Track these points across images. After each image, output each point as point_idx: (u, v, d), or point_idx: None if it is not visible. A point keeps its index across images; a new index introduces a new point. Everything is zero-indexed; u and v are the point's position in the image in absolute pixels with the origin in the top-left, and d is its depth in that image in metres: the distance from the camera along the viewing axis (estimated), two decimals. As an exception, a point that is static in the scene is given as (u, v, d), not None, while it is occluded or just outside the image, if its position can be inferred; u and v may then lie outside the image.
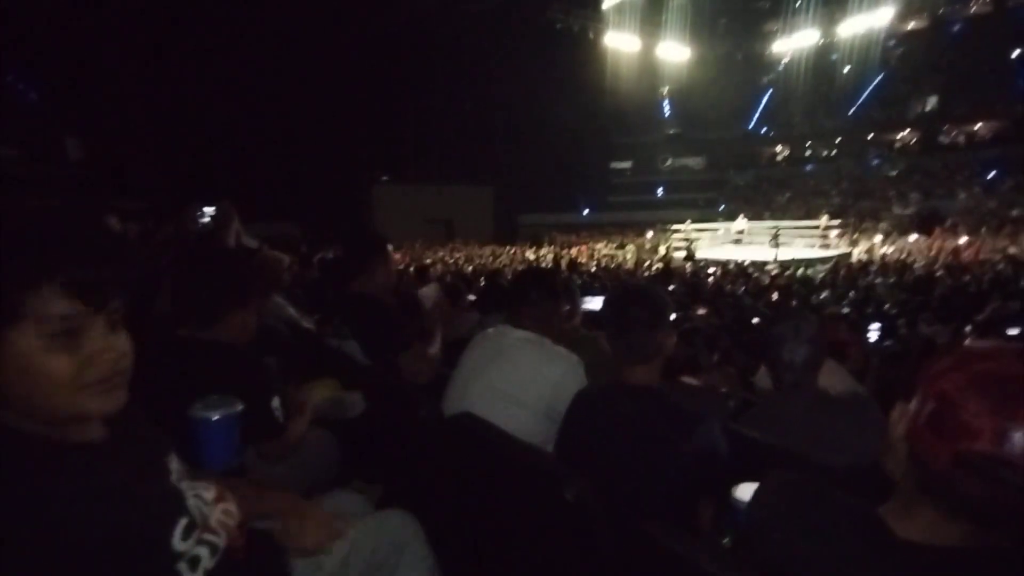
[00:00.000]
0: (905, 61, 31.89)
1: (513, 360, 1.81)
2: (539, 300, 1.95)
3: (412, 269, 9.37)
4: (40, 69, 18.53)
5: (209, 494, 0.94)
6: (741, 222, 20.63)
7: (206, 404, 1.30)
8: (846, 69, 31.69)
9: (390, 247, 2.65)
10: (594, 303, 4.36)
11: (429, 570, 1.29)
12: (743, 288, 9.78)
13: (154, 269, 1.80)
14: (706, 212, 27.38)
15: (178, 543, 0.82)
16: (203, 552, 0.87)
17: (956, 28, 31.51)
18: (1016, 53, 28.34)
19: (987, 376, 0.73)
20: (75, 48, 18.17)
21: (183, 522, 0.85)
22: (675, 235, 20.86)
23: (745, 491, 1.33)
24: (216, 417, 1.29)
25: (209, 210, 2.32)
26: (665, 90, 37.07)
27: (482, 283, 7.29)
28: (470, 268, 13.48)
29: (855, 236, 19.30)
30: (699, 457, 1.39)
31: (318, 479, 1.67)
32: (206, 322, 1.55)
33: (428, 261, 14.49)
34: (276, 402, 1.53)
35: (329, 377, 2.06)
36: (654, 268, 12.98)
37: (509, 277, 7.06)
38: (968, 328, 5.96)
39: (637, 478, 1.36)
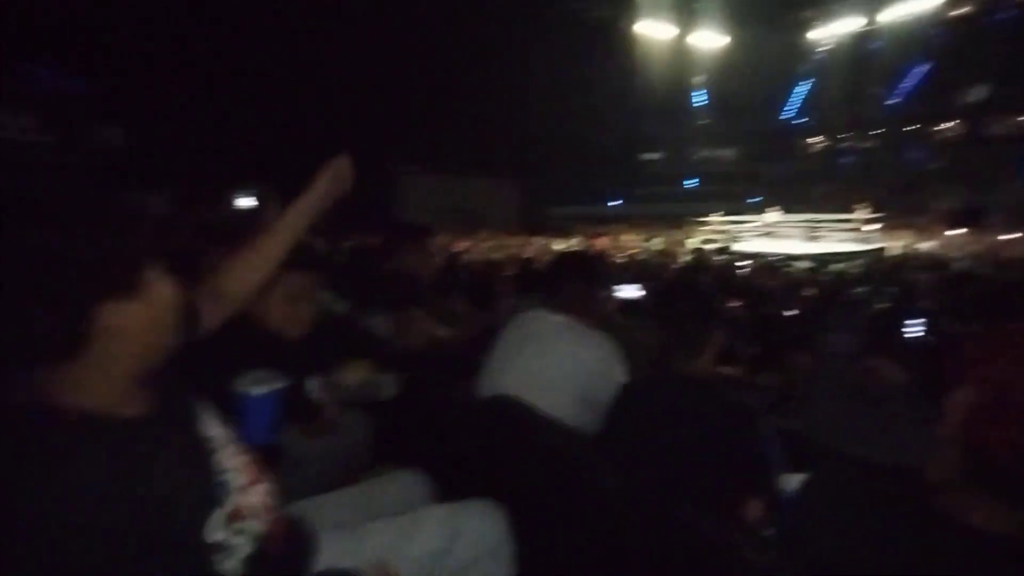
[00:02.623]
0: (951, 49, 30.68)
1: (549, 345, 1.79)
2: (576, 285, 1.93)
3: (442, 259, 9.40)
4: (82, 59, 19.06)
5: (244, 477, 0.93)
6: (773, 215, 20.19)
7: (251, 380, 1.32)
8: (888, 58, 30.64)
9: (430, 236, 2.66)
10: (627, 292, 4.32)
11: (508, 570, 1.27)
12: (776, 282, 9.58)
13: (195, 250, 1.83)
14: (738, 204, 26.86)
15: (214, 531, 0.81)
16: (241, 540, 0.86)
17: (1008, 14, 30.16)
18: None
19: None
20: (116, 38, 18.66)
21: (219, 510, 0.84)
22: (705, 227, 20.53)
23: (788, 483, 1.29)
24: (260, 393, 1.30)
25: (247, 195, 2.35)
26: (698, 79, 36.37)
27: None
28: (499, 257, 13.48)
29: (894, 230, 18.72)
30: (748, 451, 1.36)
31: (354, 458, 1.69)
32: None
33: (457, 250, 14.53)
34: (312, 383, 1.54)
35: (363, 359, 2.07)
36: (684, 261, 12.81)
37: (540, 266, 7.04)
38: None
39: (683, 469, 1.33)
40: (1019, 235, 16.72)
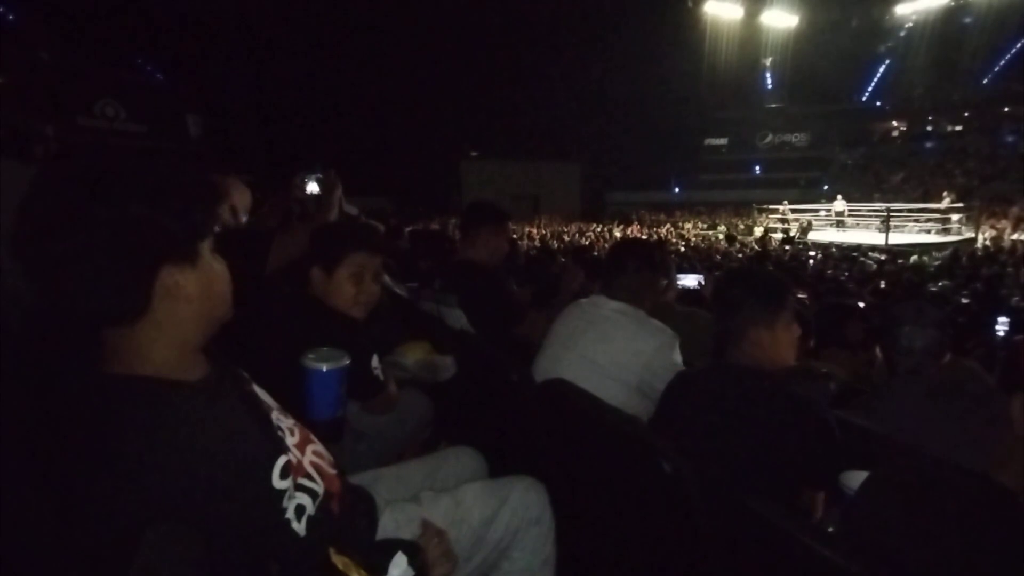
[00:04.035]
0: (1054, 23, 28.09)
1: (607, 332, 1.79)
2: (636, 272, 1.91)
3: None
4: (166, 52, 20.28)
5: (293, 438, 0.98)
6: (839, 203, 19.20)
7: (318, 356, 1.38)
8: (981, 33, 28.34)
9: (506, 219, 2.65)
10: (688, 280, 4.25)
11: (549, 550, 1.30)
12: (846, 273, 9.16)
13: (265, 232, 1.92)
14: (807, 192, 25.73)
15: (277, 481, 0.86)
16: (305, 500, 0.91)
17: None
18: None
19: None
20: (197, 33, 19.76)
21: (282, 460, 0.88)
22: (773, 216, 19.77)
23: (852, 479, 1.25)
24: (326, 368, 1.36)
25: (314, 180, 2.44)
26: (768, 61, 34.80)
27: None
28: (556, 245, 13.44)
29: (982, 220, 17.45)
30: (807, 445, 1.32)
31: (414, 435, 1.74)
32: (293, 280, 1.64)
33: (514, 236, 14.57)
34: (375, 361, 1.59)
35: (423, 340, 2.13)
36: (749, 250, 12.41)
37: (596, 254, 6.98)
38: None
39: (738, 461, 1.31)
40: None
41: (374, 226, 3.42)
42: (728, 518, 1.04)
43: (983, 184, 24.11)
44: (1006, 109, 28.00)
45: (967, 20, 29.02)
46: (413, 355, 2.07)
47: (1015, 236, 15.66)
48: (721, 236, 17.63)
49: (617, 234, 18.43)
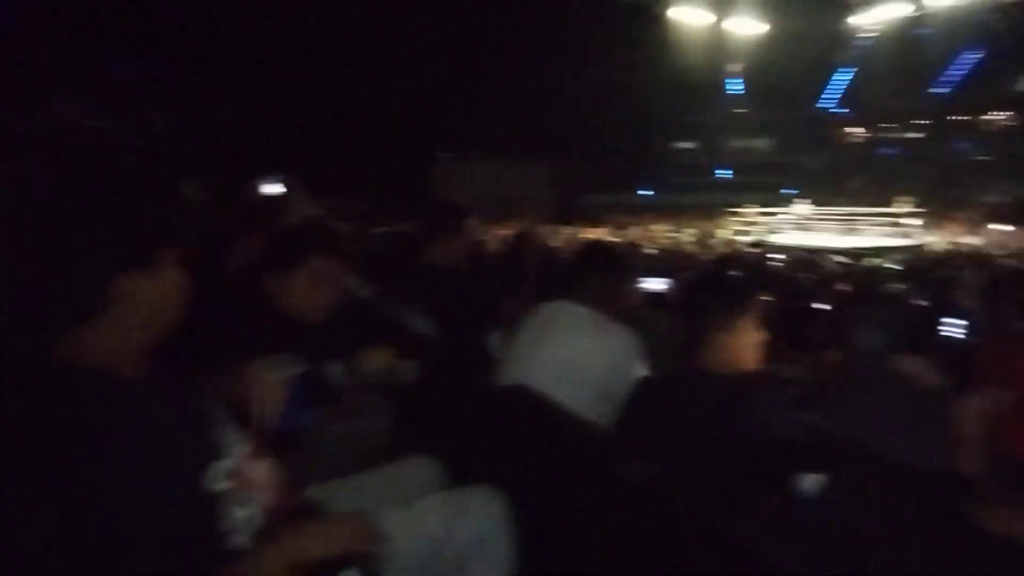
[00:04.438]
0: (1005, 35, 29.30)
1: (570, 336, 1.78)
2: (600, 276, 1.91)
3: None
4: (131, 49, 19.71)
5: (243, 448, 0.96)
6: (802, 207, 19.73)
7: (269, 364, 1.33)
8: (936, 45, 29.41)
9: (467, 218, 2.61)
10: (654, 284, 4.27)
11: (508, 562, 1.28)
12: (810, 276, 9.37)
13: (224, 232, 1.86)
14: (772, 196, 26.28)
15: (214, 485, 0.85)
16: (252, 511, 0.89)
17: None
18: None
19: None
20: (163, 29, 19.26)
21: (220, 466, 0.87)
22: (738, 219, 20.17)
23: (809, 482, 1.26)
24: (280, 376, 1.31)
25: (276, 182, 2.38)
26: (734, 67, 35.52)
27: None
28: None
29: (936, 225, 18.09)
30: (766, 448, 1.33)
31: (373, 443, 1.70)
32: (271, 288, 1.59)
33: (484, 238, 14.54)
34: (334, 368, 1.55)
35: (385, 344, 2.09)
36: (715, 253, 12.62)
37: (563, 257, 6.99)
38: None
39: (697, 468, 1.31)
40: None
41: (335, 228, 3.37)
42: (690, 527, 1.04)
43: (938, 190, 25.02)
44: (960, 118, 29.13)
45: (924, 32, 30.10)
46: (375, 361, 2.03)
47: (968, 240, 16.27)
48: (689, 238, 17.91)
49: (588, 236, 18.56)
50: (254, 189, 2.34)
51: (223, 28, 21.03)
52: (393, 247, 4.66)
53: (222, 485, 0.86)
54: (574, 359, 1.74)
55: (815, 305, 5.58)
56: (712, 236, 18.90)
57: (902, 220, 17.69)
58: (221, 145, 19.98)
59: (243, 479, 0.91)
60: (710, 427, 1.38)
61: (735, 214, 20.63)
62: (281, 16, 22.51)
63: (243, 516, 0.88)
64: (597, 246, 2.26)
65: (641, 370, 1.78)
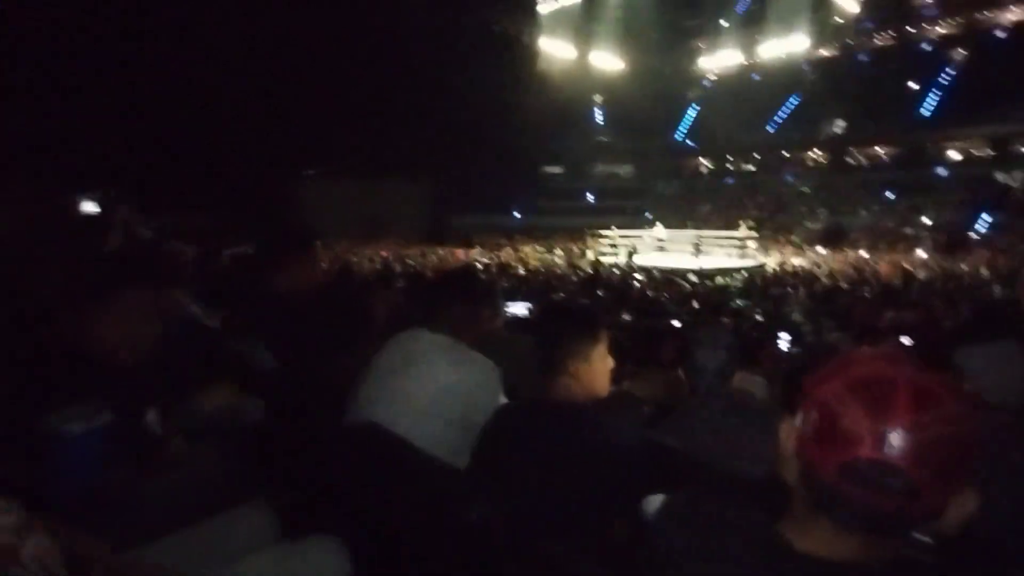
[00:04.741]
0: (817, 86, 34.12)
1: (426, 367, 1.72)
2: (457, 303, 1.87)
3: (336, 268, 9.05)
4: None
5: (8, 518, 0.81)
6: (660, 230, 21.38)
7: (66, 416, 1.14)
8: (765, 89, 33.54)
9: (317, 243, 2.44)
10: (518, 308, 4.34)
11: None
12: (666, 295, 10.06)
13: (18, 258, 1.59)
14: (633, 219, 28.15)
15: None
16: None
17: (863, 58, 34.06)
18: (914, 84, 30.97)
19: (862, 381, 0.72)
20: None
21: None
22: (603, 240, 21.29)
23: (655, 504, 1.31)
24: (77, 431, 1.13)
25: (92, 200, 2.09)
26: (597, 98, 37.90)
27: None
28: (398, 268, 13.21)
29: (770, 247, 20.37)
30: (607, 472, 1.36)
31: (204, 496, 1.52)
32: (73, 326, 1.36)
33: (353, 259, 14.10)
34: (152, 415, 1.36)
35: (226, 381, 1.90)
36: (583, 274, 13.18)
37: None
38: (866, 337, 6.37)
39: (547, 497, 1.31)
40: (875, 253, 18.76)
41: (178, 251, 3.06)
42: (533, 564, 1.02)
43: (771, 216, 28.28)
44: (786, 154, 33.27)
45: (756, 77, 34.11)
46: (213, 399, 1.85)
47: (796, 261, 18.45)
48: (559, 260, 18.60)
49: (461, 256, 18.65)
50: (68, 208, 2.02)
51: (37, 17, 18.38)
52: (242, 269, 4.32)
53: None
54: (431, 393, 1.67)
55: (671, 322, 6.00)
56: (581, 257, 19.78)
57: (743, 243, 19.69)
58: (21, 151, 17.21)
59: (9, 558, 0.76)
60: (564, 458, 1.39)
61: (601, 236, 21.76)
62: (134, 15, 20.24)
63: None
64: (454, 273, 2.23)
65: (501, 398, 1.76)
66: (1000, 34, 29.58)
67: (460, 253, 20.01)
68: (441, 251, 20.43)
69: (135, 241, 2.13)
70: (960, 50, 30.49)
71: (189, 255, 3.10)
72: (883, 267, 14.73)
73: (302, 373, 1.98)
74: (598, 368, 1.61)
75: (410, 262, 15.94)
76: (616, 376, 2.87)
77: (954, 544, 1.17)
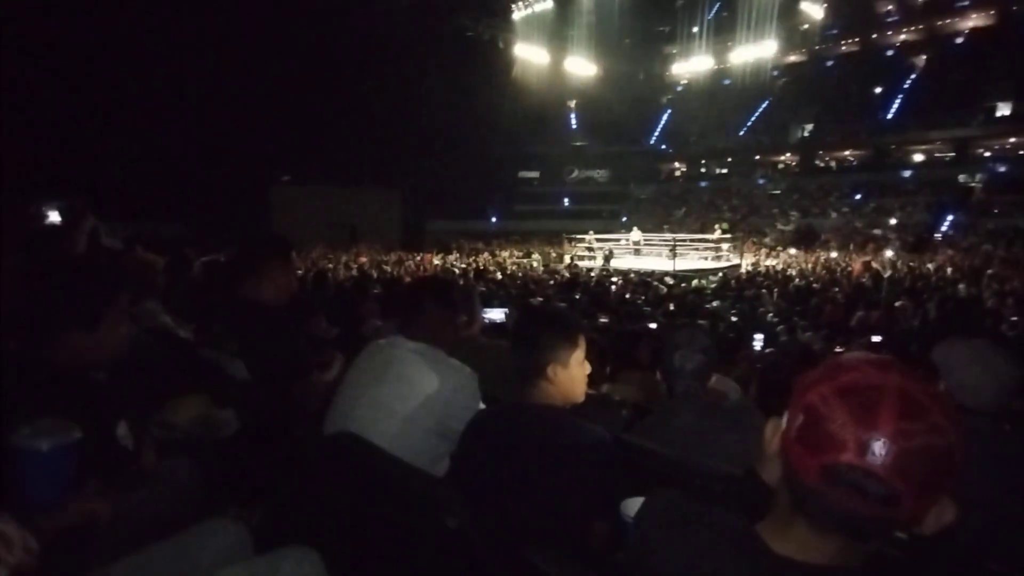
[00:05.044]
0: (786, 90, 34.87)
1: (403, 374, 1.71)
2: (434, 310, 1.87)
3: (311, 275, 8.95)
4: None
5: None
6: (636, 233, 21.57)
7: (35, 431, 1.11)
8: (736, 94, 34.13)
9: (291, 251, 2.39)
10: (495, 314, 4.35)
11: None
12: (642, 297, 10.14)
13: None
14: (609, 223, 28.38)
15: None
16: None
17: (829, 63, 34.90)
18: (878, 89, 31.80)
19: (850, 387, 0.72)
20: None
21: None
22: (580, 244, 21.40)
23: (633, 506, 1.32)
24: (46, 447, 1.10)
25: (55, 208, 2.04)
26: (572, 103, 38.17)
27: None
28: (375, 275, 13.10)
29: (743, 249, 20.68)
30: (584, 475, 1.36)
31: (176, 510, 1.49)
32: (39, 340, 1.32)
33: (329, 266, 13.95)
34: (123, 428, 1.33)
35: (200, 393, 1.87)
36: (560, 278, 13.23)
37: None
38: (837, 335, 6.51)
39: (527, 502, 1.31)
40: (845, 254, 19.17)
41: (149, 261, 2.99)
42: (513, 571, 1.02)
43: (743, 219, 28.73)
44: (757, 157, 33.88)
45: (726, 82, 34.69)
46: (186, 411, 1.81)
47: (768, 262, 18.77)
48: (536, 264, 18.64)
49: (437, 262, 18.57)
50: (30, 217, 1.96)
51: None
52: (215, 278, 4.25)
53: None
54: (408, 397, 1.67)
55: (648, 325, 6.06)
56: (558, 261, 19.85)
57: (717, 245, 19.97)
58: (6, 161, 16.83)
59: None
60: (542, 461, 1.39)
61: (578, 239, 21.87)
62: (104, 19, 19.74)
63: None
64: (430, 280, 2.22)
65: (478, 403, 1.76)
66: (959, 40, 30.59)
67: (433, 258, 19.92)
68: (417, 257, 20.32)
69: (103, 250, 2.08)
70: (922, 56, 31.43)
71: (160, 264, 3.03)
72: (855, 267, 15.06)
73: (277, 383, 1.95)
74: (576, 372, 1.61)
75: (387, 268, 15.83)
76: (594, 379, 2.89)
77: (928, 545, 1.20)
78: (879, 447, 0.68)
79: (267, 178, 27.35)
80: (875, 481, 0.68)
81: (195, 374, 2.10)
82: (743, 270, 16.51)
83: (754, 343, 5.60)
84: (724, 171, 35.00)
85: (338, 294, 5.08)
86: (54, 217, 2.07)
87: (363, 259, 18.51)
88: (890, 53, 33.07)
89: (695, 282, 13.15)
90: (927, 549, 1.15)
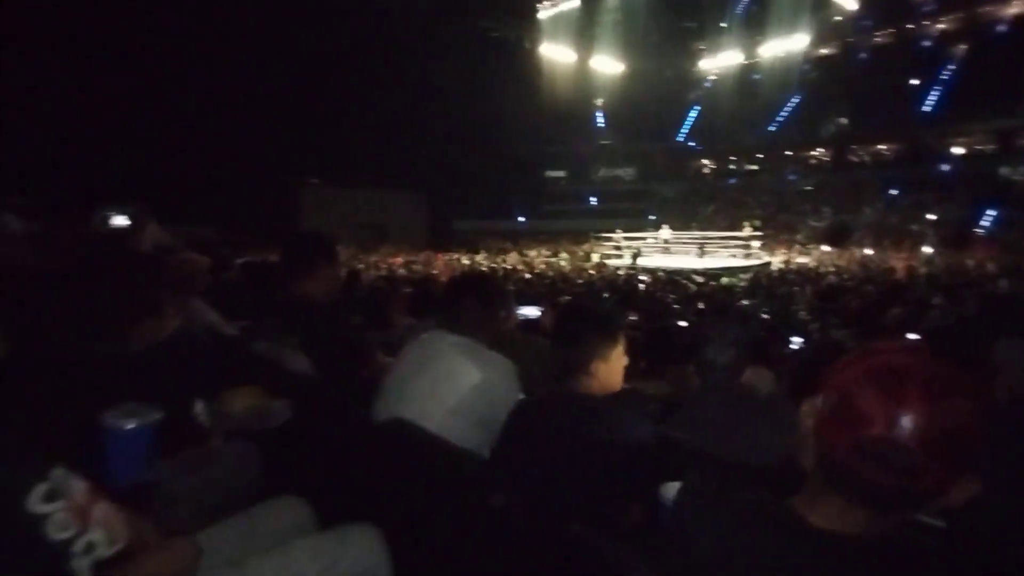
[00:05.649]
0: (818, 84, 34.14)
1: (447, 366, 1.79)
2: (474, 305, 1.95)
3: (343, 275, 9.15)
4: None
5: (81, 483, 0.90)
6: (665, 232, 21.41)
7: (121, 413, 1.22)
8: (766, 89, 33.55)
9: (335, 250, 2.52)
10: (529, 312, 4.42)
11: None
12: (671, 295, 10.12)
13: (55, 273, 1.67)
14: (636, 222, 28.21)
15: (36, 505, 0.82)
16: (89, 539, 0.86)
17: (863, 56, 34.07)
18: (915, 81, 30.93)
19: (880, 368, 0.79)
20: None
21: (43, 487, 0.84)
22: (608, 243, 21.34)
23: (670, 490, 1.38)
24: (130, 426, 1.21)
25: (120, 214, 2.18)
26: (599, 101, 37.99)
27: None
28: (403, 274, 13.30)
29: (774, 247, 20.38)
30: (623, 460, 1.43)
31: (237, 492, 1.59)
32: (118, 334, 1.45)
33: (360, 266, 14.19)
34: (200, 407, 1.45)
35: (252, 384, 1.97)
36: (587, 276, 13.24)
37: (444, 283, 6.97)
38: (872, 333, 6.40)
39: (567, 486, 1.38)
40: (880, 250, 18.75)
41: (196, 260, 3.14)
42: (557, 547, 1.09)
43: (774, 216, 28.26)
44: (788, 152, 33.25)
45: (756, 76, 34.15)
46: (240, 402, 1.92)
47: (799, 259, 18.47)
48: (563, 263, 18.66)
49: (465, 262, 18.73)
50: (95, 222, 2.10)
51: (53, 37, 18.70)
52: (255, 279, 4.42)
53: (45, 508, 0.83)
54: (451, 389, 1.75)
55: (678, 323, 6.06)
56: (586, 260, 19.84)
57: (746, 243, 19.72)
58: (50, 167, 17.59)
59: (77, 508, 0.87)
60: (581, 446, 1.46)
61: (605, 238, 21.80)
62: (124, 24, 20.46)
63: (82, 541, 0.85)
64: (470, 276, 2.31)
65: (518, 395, 1.83)
66: (1002, 28, 29.55)
67: (464, 259, 20.06)
68: (445, 257, 20.51)
69: (162, 250, 2.22)
70: (961, 45, 30.46)
71: (205, 265, 3.17)
72: (894, 263, 14.73)
73: (341, 372, 2.07)
74: (615, 367, 1.69)
75: (417, 268, 16.03)
76: (627, 374, 2.94)
77: (955, 527, 1.24)
78: (906, 421, 0.74)
79: (297, 181, 27.89)
80: (901, 453, 0.73)
81: (247, 367, 2.22)
82: (774, 268, 16.28)
83: (786, 342, 5.56)
84: (754, 168, 34.43)
85: (370, 293, 5.21)
86: (117, 221, 2.20)
87: (399, 259, 18.75)
88: (927, 43, 32.12)
89: (724, 280, 13.03)
90: (954, 531, 1.19)
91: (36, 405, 1.14)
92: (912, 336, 5.91)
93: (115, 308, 1.46)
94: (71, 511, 0.85)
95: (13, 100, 17.72)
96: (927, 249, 19.46)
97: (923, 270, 12.94)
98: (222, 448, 1.57)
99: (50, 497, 0.83)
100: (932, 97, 29.97)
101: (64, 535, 0.83)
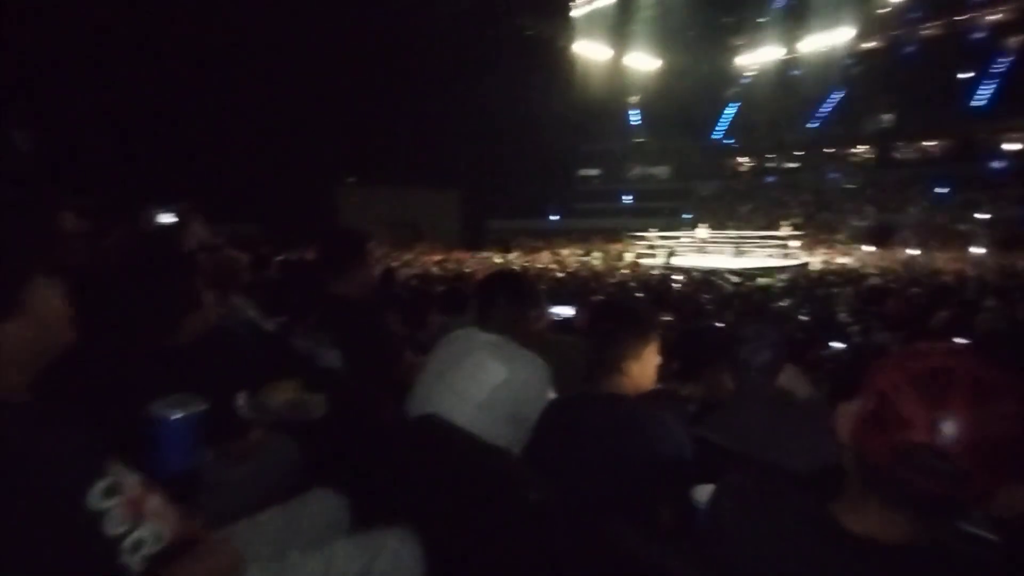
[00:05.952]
0: (862, 79, 33.10)
1: (479, 364, 1.80)
2: (507, 303, 1.95)
3: (378, 273, 9.28)
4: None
5: (135, 476, 0.93)
6: (702, 231, 21.07)
7: (167, 403, 1.27)
8: (807, 84, 32.70)
9: (369, 248, 2.57)
10: (563, 310, 4.41)
11: None
12: (706, 296, 9.96)
13: (106, 268, 1.74)
14: (671, 220, 27.84)
15: (96, 502, 0.83)
16: (143, 535, 0.87)
17: (909, 49, 32.91)
18: (964, 75, 29.73)
19: (921, 372, 0.76)
20: (21, 38, 17.49)
21: (103, 483, 0.85)
22: (642, 242, 21.13)
23: (703, 493, 1.36)
24: (177, 416, 1.25)
25: (167, 212, 2.26)
26: (633, 99, 37.61)
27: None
28: (437, 272, 13.41)
29: (814, 247, 19.86)
30: (657, 461, 1.42)
31: (277, 483, 1.64)
32: (164, 329, 1.51)
33: (395, 265, 14.35)
34: (241, 399, 1.50)
35: (291, 379, 2.02)
36: (620, 276, 13.14)
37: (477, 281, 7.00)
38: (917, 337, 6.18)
39: (600, 484, 1.38)
40: (926, 251, 18.10)
41: (235, 258, 3.23)
42: (591, 544, 1.09)
43: (814, 215, 27.54)
44: (829, 149, 32.35)
45: (796, 72, 33.32)
46: (280, 395, 1.97)
47: (840, 260, 17.96)
48: (596, 262, 18.54)
49: (498, 261, 18.78)
50: (145, 219, 2.19)
51: (104, 42, 19.47)
52: (293, 276, 4.52)
53: (104, 504, 0.84)
54: (484, 386, 1.76)
55: (713, 324, 5.95)
56: (619, 259, 19.68)
57: (784, 243, 19.26)
58: (103, 170, 18.36)
59: (131, 502, 0.89)
60: (615, 445, 1.46)
61: (638, 237, 21.58)
62: (169, 29, 21.20)
63: (132, 537, 0.86)
64: (503, 274, 2.31)
65: (550, 394, 1.84)
66: (1059, 19, 28.16)
67: (497, 258, 20.12)
68: (479, 256, 20.61)
69: (206, 249, 2.30)
70: (1015, 37, 29.15)
71: (245, 262, 3.25)
72: (941, 264, 14.20)
73: (374, 369, 2.11)
74: (648, 366, 1.68)
75: (450, 266, 16.15)
76: (659, 375, 2.91)
77: (1009, 541, 1.19)
78: (948, 427, 0.71)
79: (333, 179, 28.38)
80: (944, 460, 0.71)
81: (286, 362, 2.28)
82: (813, 268, 15.87)
83: (826, 344, 5.41)
84: (794, 165, 33.60)
85: (405, 291, 5.28)
86: (164, 219, 2.29)
87: (436, 257, 18.90)
88: (978, 35, 30.84)
89: (761, 280, 12.76)
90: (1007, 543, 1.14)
91: (94, 399, 1.19)
92: (960, 340, 5.70)
93: (161, 303, 1.51)
94: (127, 505, 0.87)
95: (70, 106, 18.57)
96: (976, 249, 18.69)
97: (973, 272, 12.43)
98: (262, 440, 1.61)
99: (109, 492, 0.85)
100: (983, 91, 28.77)
101: (120, 530, 0.85)
